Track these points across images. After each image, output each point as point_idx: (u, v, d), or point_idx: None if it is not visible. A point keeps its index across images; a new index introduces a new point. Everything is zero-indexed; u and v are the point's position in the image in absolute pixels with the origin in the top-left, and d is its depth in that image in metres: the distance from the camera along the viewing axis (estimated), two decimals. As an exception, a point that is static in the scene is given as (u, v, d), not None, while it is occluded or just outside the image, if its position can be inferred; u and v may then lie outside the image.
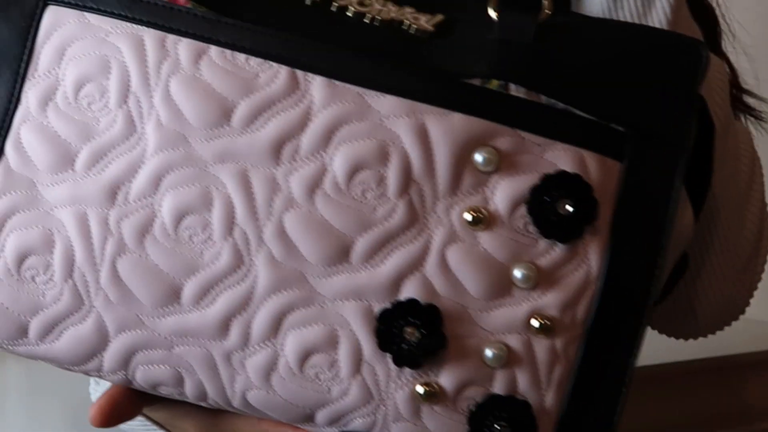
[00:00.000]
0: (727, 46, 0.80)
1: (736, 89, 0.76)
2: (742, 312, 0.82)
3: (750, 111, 0.78)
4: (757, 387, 1.11)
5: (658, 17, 0.71)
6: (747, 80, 0.79)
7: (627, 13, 0.72)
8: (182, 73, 0.61)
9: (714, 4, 0.78)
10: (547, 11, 0.61)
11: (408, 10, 0.62)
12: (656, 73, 0.61)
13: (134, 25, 0.62)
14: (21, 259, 0.62)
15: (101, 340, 0.62)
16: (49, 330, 0.62)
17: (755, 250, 0.79)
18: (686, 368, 1.01)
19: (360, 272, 0.60)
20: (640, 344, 0.61)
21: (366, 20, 0.62)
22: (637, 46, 0.62)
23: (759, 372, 1.11)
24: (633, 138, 0.60)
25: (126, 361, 0.62)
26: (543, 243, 0.60)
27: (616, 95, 0.61)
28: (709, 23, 0.77)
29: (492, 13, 0.61)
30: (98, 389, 0.87)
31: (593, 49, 0.61)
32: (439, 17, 0.62)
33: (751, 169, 0.77)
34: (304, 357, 0.60)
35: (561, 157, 0.60)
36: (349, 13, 0.62)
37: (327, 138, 0.60)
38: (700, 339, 0.83)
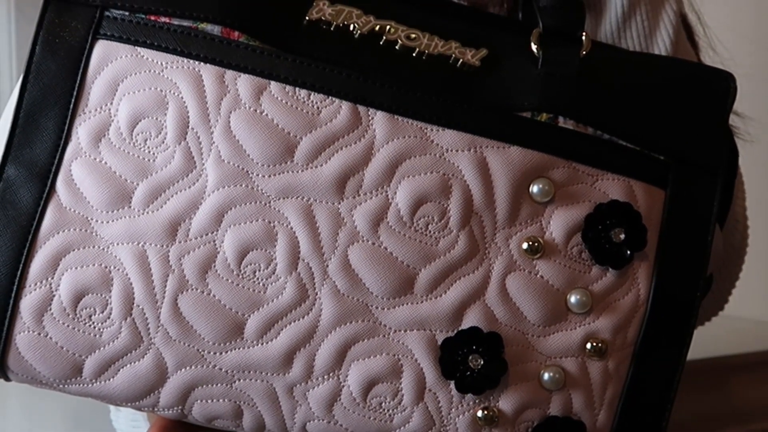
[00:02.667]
0: (706, 59, 0.83)
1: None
2: (721, 308, 0.87)
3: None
4: (756, 387, 1.15)
5: (663, 42, 0.74)
6: None
7: (634, 36, 0.75)
8: (243, 109, 0.61)
9: (695, 19, 0.82)
10: (585, 49, 0.63)
11: (454, 44, 0.63)
12: (691, 103, 0.65)
13: (190, 61, 0.61)
14: (77, 298, 0.61)
15: (160, 377, 0.62)
16: (105, 368, 0.62)
17: (738, 250, 0.84)
18: (691, 367, 1.05)
19: (423, 303, 0.61)
20: (684, 361, 0.64)
21: (414, 54, 0.63)
22: (672, 78, 0.65)
23: (757, 372, 1.16)
24: (675, 166, 0.63)
25: (184, 396, 0.62)
26: (596, 270, 0.63)
27: (656, 125, 0.64)
28: (688, 38, 0.81)
29: (534, 48, 0.63)
30: (119, 416, 0.86)
31: (631, 82, 0.64)
32: (484, 51, 0.63)
33: (737, 180, 0.81)
34: (368, 387, 0.62)
35: (611, 187, 0.63)
36: (397, 47, 0.63)
37: (390, 172, 0.61)
38: (701, 339, 0.88)
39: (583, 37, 0.64)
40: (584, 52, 0.64)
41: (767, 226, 1.35)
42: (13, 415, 1.06)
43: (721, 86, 0.65)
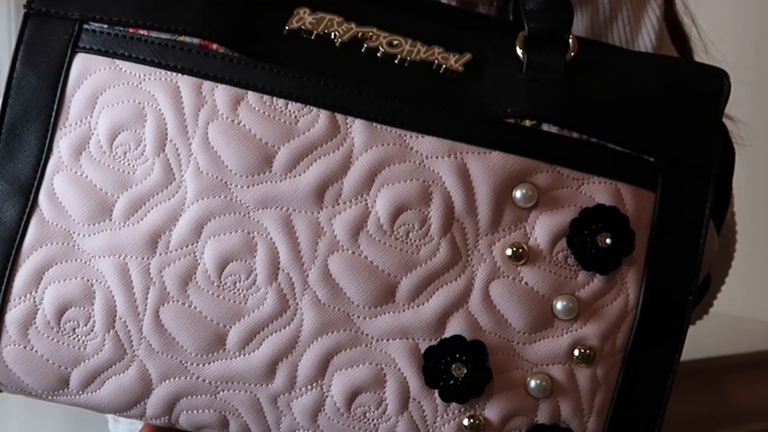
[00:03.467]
0: (701, 61, 0.81)
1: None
2: (707, 312, 0.86)
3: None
4: (750, 387, 1.14)
5: (644, 42, 0.73)
6: None
7: (616, 37, 0.73)
8: (221, 120, 0.61)
9: (690, 22, 0.80)
10: (571, 52, 0.62)
11: (437, 49, 0.62)
12: (682, 103, 0.63)
13: (168, 72, 0.61)
14: (61, 311, 0.61)
15: (144, 388, 0.62)
16: (91, 380, 0.62)
17: (724, 253, 0.82)
18: (683, 368, 1.04)
19: (405, 311, 0.61)
20: (676, 367, 0.63)
21: (396, 61, 0.62)
22: (662, 78, 0.63)
23: (752, 372, 1.15)
24: (664, 168, 0.62)
25: (170, 407, 0.62)
26: (582, 275, 0.62)
27: (645, 127, 0.62)
28: (681, 41, 0.79)
29: (520, 52, 0.62)
30: (118, 426, 0.86)
31: (620, 82, 0.63)
32: (467, 56, 0.62)
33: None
34: (352, 397, 0.61)
35: (597, 191, 0.62)
36: (379, 54, 0.62)
37: (369, 180, 0.60)
38: (695, 339, 0.86)
39: (570, 40, 0.62)
40: (572, 54, 0.62)
41: (759, 227, 1.33)
42: (13, 415, 1.07)
43: (714, 84, 0.63)
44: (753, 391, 1.14)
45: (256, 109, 0.61)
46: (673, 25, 0.77)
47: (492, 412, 0.61)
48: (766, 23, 1.37)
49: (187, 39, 0.61)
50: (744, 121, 0.81)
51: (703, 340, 0.89)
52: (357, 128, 0.61)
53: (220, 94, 0.61)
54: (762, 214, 1.36)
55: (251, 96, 0.61)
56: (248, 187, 0.60)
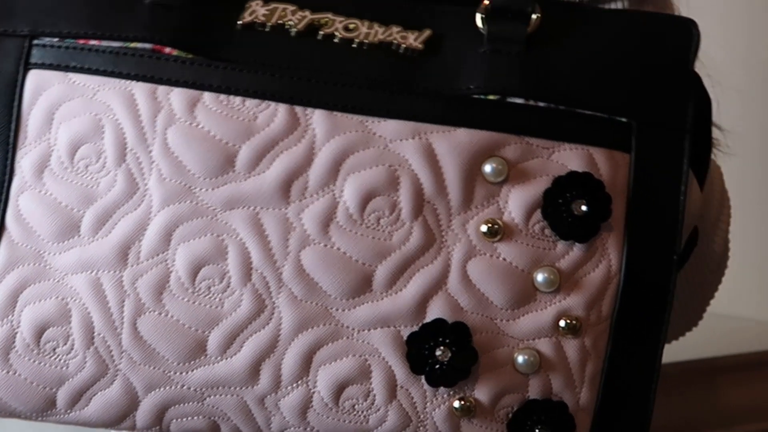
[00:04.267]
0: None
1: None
2: (696, 325, 0.85)
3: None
4: (742, 389, 1.12)
5: None
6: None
7: None
8: (178, 124, 0.60)
9: None
10: (535, 22, 0.60)
11: (395, 29, 0.61)
12: (651, 58, 0.61)
13: (122, 80, 0.60)
14: (39, 332, 0.61)
15: (131, 402, 0.61)
16: (77, 398, 0.62)
17: (716, 271, 0.80)
18: (676, 369, 1.03)
19: (384, 299, 0.60)
20: (666, 329, 0.61)
21: (354, 45, 0.61)
22: (629, 35, 0.62)
23: (744, 373, 1.13)
24: (638, 128, 0.61)
25: (159, 417, 0.62)
26: (561, 245, 0.60)
27: (615, 87, 0.61)
28: None
29: (481, 26, 0.61)
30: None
31: (586, 45, 0.61)
32: (427, 33, 0.61)
33: (720, 201, 0.78)
34: (339, 390, 0.60)
35: (569, 158, 0.60)
36: (336, 40, 0.61)
37: (334, 170, 0.59)
38: (693, 340, 0.86)
39: (533, 12, 0.61)
40: (535, 24, 0.61)
41: (755, 225, 1.32)
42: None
43: (683, 35, 0.62)
44: (744, 392, 1.13)
45: (213, 109, 0.60)
46: None
47: (482, 392, 0.60)
48: (755, 30, 1.35)
49: (140, 45, 0.60)
50: (730, 130, 0.80)
51: (694, 340, 0.88)
52: (317, 119, 0.60)
53: (176, 97, 0.60)
54: (754, 215, 1.35)
55: (207, 96, 0.60)
56: (213, 189, 0.60)
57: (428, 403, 0.60)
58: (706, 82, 0.68)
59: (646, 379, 0.61)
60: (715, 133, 0.76)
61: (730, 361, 1.12)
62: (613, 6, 0.67)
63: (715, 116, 0.77)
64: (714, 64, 0.75)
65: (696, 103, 0.63)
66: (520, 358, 0.60)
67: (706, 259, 0.76)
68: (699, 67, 0.76)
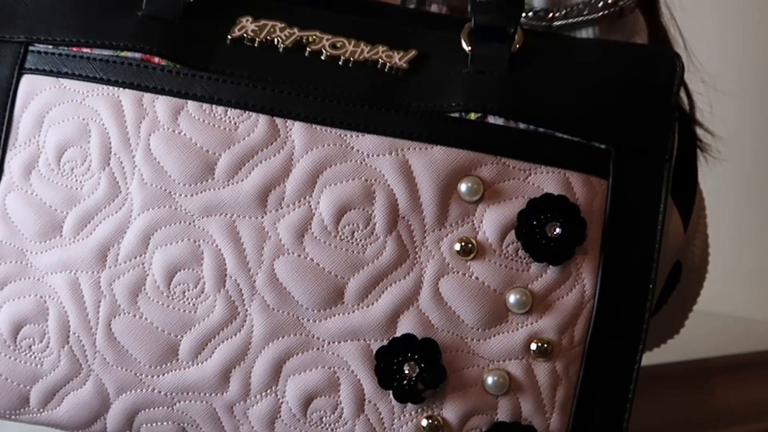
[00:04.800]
0: (687, 74, 0.80)
1: (691, 121, 0.77)
2: (677, 333, 0.84)
3: (697, 142, 0.79)
4: (736, 390, 1.11)
5: None
6: (701, 107, 0.80)
7: None
8: (162, 130, 0.61)
9: (677, 35, 0.79)
10: (517, 45, 0.62)
11: (381, 48, 0.62)
12: (633, 87, 0.62)
13: (110, 87, 0.62)
14: (16, 329, 0.62)
15: (102, 403, 0.62)
16: (50, 397, 0.62)
17: (697, 278, 0.80)
18: (670, 369, 1.02)
19: (355, 312, 0.60)
20: (640, 358, 0.61)
21: (340, 62, 0.62)
22: (611, 64, 0.62)
23: (738, 374, 1.11)
24: (616, 154, 0.61)
25: (129, 421, 0.62)
26: (535, 267, 0.60)
27: (595, 113, 0.61)
28: None
29: (465, 46, 0.62)
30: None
31: (568, 70, 0.62)
32: (413, 53, 0.62)
33: (698, 204, 0.77)
34: (307, 402, 0.61)
35: (545, 181, 0.61)
36: (323, 57, 0.62)
37: (311, 182, 0.60)
38: (679, 340, 0.85)
39: (516, 32, 0.62)
40: (518, 46, 0.62)
41: (746, 223, 1.31)
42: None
43: (665, 66, 0.62)
44: (739, 393, 1.10)
45: (196, 117, 0.61)
46: (658, 37, 0.76)
47: (450, 411, 0.60)
48: (749, 35, 1.36)
49: (129, 54, 0.62)
50: (724, 134, 0.80)
51: (688, 341, 0.87)
52: (296, 131, 0.61)
53: (161, 105, 0.61)
54: (745, 217, 1.34)
55: (191, 105, 0.61)
56: (192, 195, 0.61)
57: (396, 420, 0.60)
58: (700, 87, 0.69)
59: (620, 407, 0.61)
60: (707, 137, 0.76)
61: (724, 361, 1.10)
62: (584, 31, 0.67)
63: (708, 121, 0.77)
64: (708, 69, 0.76)
65: (680, 138, 0.63)
66: (490, 379, 0.60)
67: (685, 270, 0.76)
68: (694, 72, 0.77)
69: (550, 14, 0.67)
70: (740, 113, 1.29)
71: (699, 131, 0.76)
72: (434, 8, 0.70)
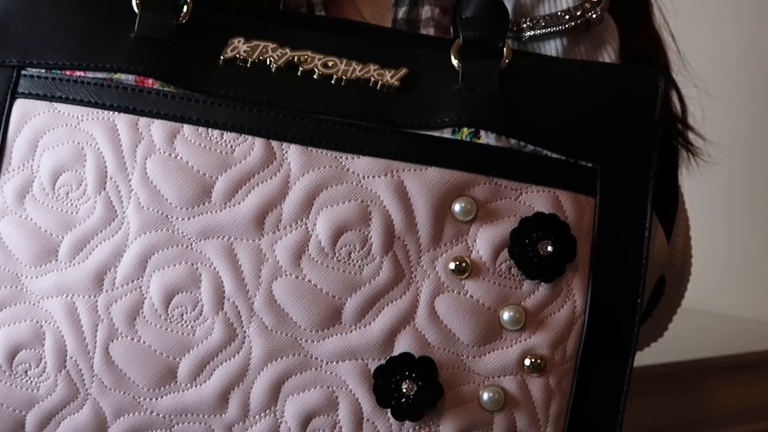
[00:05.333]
0: (678, 78, 0.82)
1: (682, 125, 0.80)
2: (661, 336, 0.86)
3: (688, 146, 0.81)
4: (731, 390, 1.13)
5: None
6: (693, 111, 0.82)
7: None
8: (158, 154, 0.61)
9: (669, 39, 0.81)
10: (506, 60, 0.63)
11: (373, 66, 0.63)
12: (617, 107, 0.64)
13: (105, 111, 0.62)
14: (12, 354, 0.62)
15: (100, 427, 0.62)
16: (46, 423, 0.62)
17: (680, 282, 0.82)
18: (666, 370, 1.04)
19: (352, 332, 0.61)
20: (630, 371, 0.63)
21: (333, 81, 0.63)
22: (597, 84, 0.64)
23: (733, 375, 1.14)
24: (603, 172, 0.62)
25: None
26: (527, 284, 0.62)
27: (581, 132, 0.63)
28: (658, 57, 0.80)
29: (455, 62, 0.63)
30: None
31: (557, 90, 0.63)
32: (404, 71, 0.63)
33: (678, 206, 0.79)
34: (306, 421, 0.61)
35: (536, 199, 0.62)
36: (315, 76, 0.63)
37: (308, 204, 0.61)
38: (670, 341, 0.86)
39: (504, 48, 0.63)
40: (506, 61, 0.63)
41: (739, 223, 1.34)
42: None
43: (649, 86, 0.64)
44: (734, 394, 1.13)
45: (192, 141, 0.62)
46: (651, 41, 0.78)
47: (447, 428, 0.61)
48: (742, 41, 1.39)
49: (123, 76, 0.62)
50: (717, 139, 0.82)
51: (684, 341, 0.89)
52: (292, 153, 0.61)
53: (156, 129, 0.62)
54: (738, 217, 1.38)
55: (187, 129, 0.62)
56: (189, 218, 0.61)
57: None
58: (693, 92, 0.70)
59: (611, 418, 0.62)
60: (698, 141, 0.78)
61: (720, 361, 1.12)
62: (551, 42, 0.69)
63: (701, 126, 0.79)
64: (700, 74, 0.77)
65: (661, 154, 0.65)
66: (485, 395, 0.61)
67: (666, 272, 0.78)
68: (686, 76, 0.79)
69: (517, 26, 0.68)
70: (734, 117, 1.32)
71: (691, 135, 0.78)
72: (426, 8, 0.71)
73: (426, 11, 0.71)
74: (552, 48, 0.69)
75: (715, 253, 1.28)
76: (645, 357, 1.01)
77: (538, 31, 0.69)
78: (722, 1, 1.38)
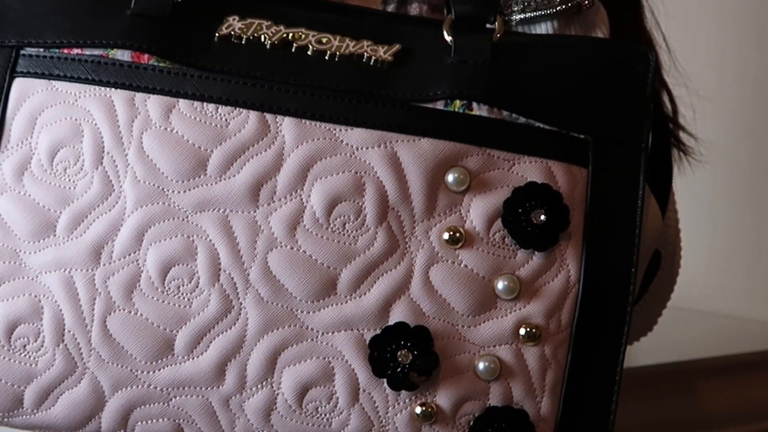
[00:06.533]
0: (670, 78, 0.83)
1: (674, 125, 0.80)
2: (650, 329, 0.86)
3: (680, 145, 0.82)
4: (723, 392, 1.13)
5: None
6: (684, 111, 0.83)
7: None
8: (154, 128, 0.62)
9: (661, 40, 0.82)
10: (498, 34, 0.64)
11: (366, 42, 0.64)
12: (610, 79, 0.64)
13: (102, 88, 0.63)
14: (11, 329, 0.62)
15: (97, 401, 0.62)
16: (45, 397, 0.63)
17: (672, 266, 0.82)
18: (659, 370, 1.04)
19: (348, 303, 0.61)
20: (626, 340, 0.63)
21: (326, 57, 0.64)
22: (589, 57, 0.65)
23: (725, 377, 1.13)
24: (595, 144, 0.63)
25: (124, 419, 0.63)
26: (521, 254, 0.62)
27: (573, 104, 0.64)
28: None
29: (447, 37, 0.64)
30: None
31: (548, 63, 0.64)
32: (397, 46, 0.64)
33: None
34: (302, 392, 0.61)
35: (529, 170, 0.62)
36: (309, 53, 0.64)
37: (302, 176, 0.62)
38: (665, 341, 0.86)
39: (496, 23, 0.64)
40: (498, 36, 0.64)
41: (741, 223, 1.34)
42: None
43: (640, 60, 0.65)
44: (727, 395, 1.12)
45: (188, 115, 0.62)
46: (642, 41, 0.79)
47: (443, 398, 0.61)
48: (734, 41, 1.40)
49: (119, 53, 0.63)
50: (713, 138, 0.82)
51: (682, 342, 0.89)
52: (286, 126, 0.62)
53: (153, 104, 0.63)
54: (740, 216, 1.38)
55: (182, 103, 0.63)
56: (185, 191, 0.62)
57: (390, 408, 0.61)
58: (683, 91, 0.70)
59: (608, 389, 0.62)
60: (690, 141, 0.78)
61: (716, 362, 1.11)
62: (542, 25, 0.70)
63: (692, 126, 0.79)
64: (691, 74, 0.78)
65: (654, 130, 0.65)
66: (481, 365, 0.62)
67: (660, 247, 0.78)
68: (677, 77, 0.79)
69: (508, 9, 0.69)
70: (730, 118, 1.32)
71: (682, 135, 0.79)
72: (414, 6, 0.72)
73: (414, 8, 0.72)
74: (542, 31, 0.70)
75: (715, 254, 1.28)
76: (643, 357, 1.01)
77: (529, 14, 0.70)
78: (714, 2, 1.39)
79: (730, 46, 1.39)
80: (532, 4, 0.70)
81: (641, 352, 0.99)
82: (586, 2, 0.70)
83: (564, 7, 0.69)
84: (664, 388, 1.04)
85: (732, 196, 1.36)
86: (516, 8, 0.69)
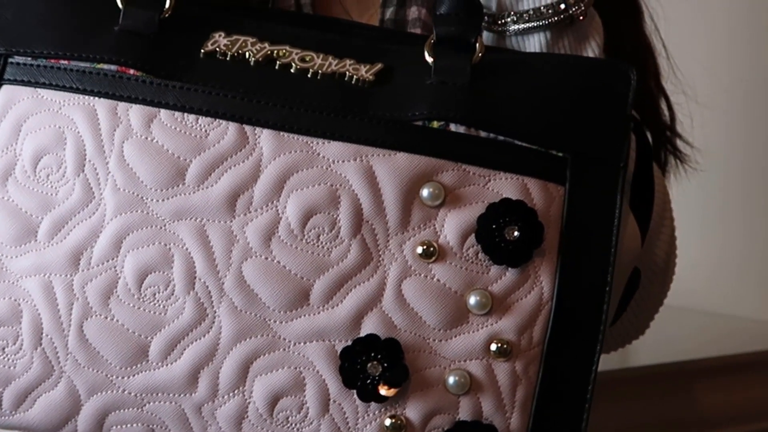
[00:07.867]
0: (668, 85, 0.83)
1: (671, 132, 0.80)
2: (642, 333, 0.85)
3: (676, 152, 0.82)
4: (720, 392, 1.12)
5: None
6: (681, 119, 0.82)
7: None
8: (135, 138, 0.63)
9: (660, 46, 0.82)
10: (479, 53, 0.64)
11: (349, 61, 0.65)
12: (590, 98, 0.65)
13: (86, 97, 0.64)
14: None
15: (73, 405, 0.63)
16: (22, 399, 0.64)
17: (661, 281, 0.82)
18: (656, 371, 1.03)
19: (320, 313, 0.62)
20: (598, 359, 0.63)
21: (309, 75, 0.64)
22: (569, 75, 0.65)
23: (722, 377, 1.12)
24: (573, 162, 0.63)
25: (99, 423, 0.63)
26: (494, 269, 0.62)
27: (552, 123, 0.64)
28: (648, 63, 0.81)
29: (428, 58, 0.64)
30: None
31: (527, 81, 0.65)
32: (379, 66, 0.65)
33: (662, 207, 0.80)
34: (273, 402, 0.62)
35: (504, 186, 0.63)
36: (292, 70, 0.65)
37: (278, 187, 0.62)
38: (661, 342, 0.86)
39: (477, 43, 0.64)
40: (479, 56, 0.64)
41: (737, 224, 1.34)
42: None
43: (621, 79, 0.65)
44: (723, 396, 1.11)
45: (168, 125, 0.64)
46: (641, 47, 0.79)
47: (412, 411, 0.62)
48: (733, 48, 1.40)
49: (105, 66, 0.64)
50: (711, 147, 0.82)
51: (678, 341, 0.88)
52: (265, 138, 0.63)
53: (134, 113, 0.64)
54: (731, 220, 1.38)
55: (163, 113, 0.64)
56: (163, 200, 0.63)
57: (360, 419, 0.62)
58: (682, 99, 0.70)
59: (578, 406, 0.62)
60: (687, 149, 0.78)
61: (715, 362, 1.11)
62: (536, 36, 0.70)
63: (689, 133, 0.79)
64: (690, 81, 0.78)
65: (636, 150, 0.65)
66: (451, 379, 0.62)
67: (648, 272, 0.78)
68: (676, 84, 0.79)
69: (501, 20, 0.69)
70: (727, 125, 1.32)
71: (679, 143, 0.79)
72: (413, 9, 0.72)
73: (413, 12, 0.73)
74: (536, 42, 0.71)
75: (709, 253, 1.27)
76: (639, 357, 1.00)
77: (522, 26, 0.70)
78: (714, 8, 1.38)
79: (730, 52, 1.39)
80: (525, 15, 0.70)
81: (638, 352, 0.98)
82: (578, 12, 0.70)
83: (557, 18, 0.70)
84: (661, 387, 1.04)
85: (726, 197, 1.35)
86: (509, 19, 0.70)
